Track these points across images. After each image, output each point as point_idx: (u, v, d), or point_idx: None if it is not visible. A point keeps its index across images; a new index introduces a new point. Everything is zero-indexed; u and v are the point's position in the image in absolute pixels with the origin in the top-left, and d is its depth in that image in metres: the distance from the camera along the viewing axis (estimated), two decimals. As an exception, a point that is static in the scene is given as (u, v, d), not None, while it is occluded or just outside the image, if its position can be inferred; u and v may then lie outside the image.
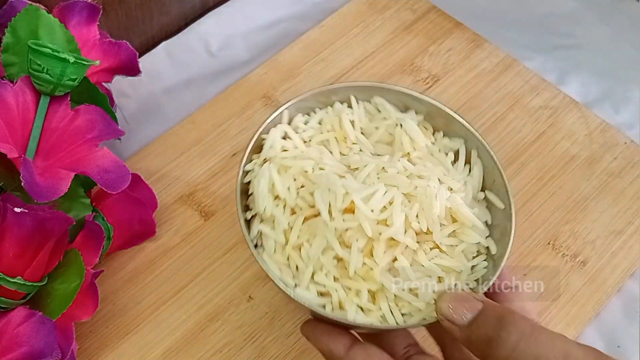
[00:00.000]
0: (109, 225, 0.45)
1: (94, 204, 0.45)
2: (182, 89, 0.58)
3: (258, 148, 0.39)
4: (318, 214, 0.36)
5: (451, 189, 0.37)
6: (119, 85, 0.53)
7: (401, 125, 0.39)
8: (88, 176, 0.41)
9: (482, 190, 0.39)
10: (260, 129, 0.39)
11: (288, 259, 0.36)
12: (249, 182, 0.39)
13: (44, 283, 0.41)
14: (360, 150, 0.40)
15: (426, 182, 0.36)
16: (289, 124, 0.40)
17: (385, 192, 0.35)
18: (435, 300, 0.34)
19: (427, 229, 0.36)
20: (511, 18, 0.63)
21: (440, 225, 0.36)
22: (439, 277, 0.35)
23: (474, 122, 0.55)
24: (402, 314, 0.35)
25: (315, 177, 0.37)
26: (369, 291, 0.35)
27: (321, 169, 0.37)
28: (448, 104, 0.56)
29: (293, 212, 0.37)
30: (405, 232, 0.35)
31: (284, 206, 0.37)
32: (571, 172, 0.53)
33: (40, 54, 0.41)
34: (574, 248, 0.50)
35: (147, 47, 0.60)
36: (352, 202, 0.35)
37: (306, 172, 0.38)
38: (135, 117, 0.56)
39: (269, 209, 0.37)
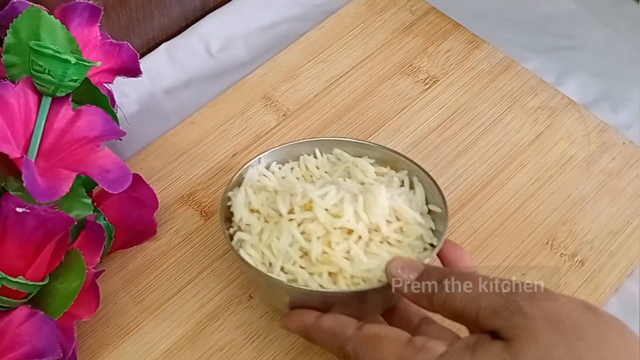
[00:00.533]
0: (110, 225, 0.45)
1: (95, 203, 0.45)
2: (182, 90, 0.58)
3: (238, 184, 0.46)
4: None
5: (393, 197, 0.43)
6: (120, 86, 0.53)
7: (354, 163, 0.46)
8: (89, 176, 0.41)
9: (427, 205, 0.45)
10: (241, 170, 0.46)
11: (262, 256, 0.42)
12: (231, 208, 0.45)
13: (46, 282, 0.41)
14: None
15: (371, 186, 0.43)
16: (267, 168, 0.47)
17: (337, 192, 0.42)
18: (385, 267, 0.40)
19: (377, 225, 0.41)
20: (510, 19, 0.63)
21: (387, 223, 0.42)
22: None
23: (473, 122, 0.56)
24: None
25: (281, 188, 0.44)
26: (329, 273, 0.41)
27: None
28: (447, 105, 0.56)
29: (266, 221, 0.43)
30: (357, 223, 0.41)
31: (258, 218, 0.43)
32: (569, 173, 0.53)
33: (41, 54, 0.41)
34: (572, 248, 0.50)
35: (148, 48, 0.60)
36: (310, 200, 0.41)
37: (276, 191, 0.44)
38: (136, 117, 0.56)
39: (245, 218, 0.43)
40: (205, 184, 0.52)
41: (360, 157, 0.48)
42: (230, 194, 0.45)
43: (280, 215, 0.42)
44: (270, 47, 0.61)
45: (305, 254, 0.41)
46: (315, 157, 0.48)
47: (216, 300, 0.47)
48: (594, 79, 0.59)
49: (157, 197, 0.49)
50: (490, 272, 0.48)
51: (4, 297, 0.40)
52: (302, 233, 0.41)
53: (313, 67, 0.59)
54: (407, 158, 0.46)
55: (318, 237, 0.41)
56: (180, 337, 0.46)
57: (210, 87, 0.58)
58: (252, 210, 0.44)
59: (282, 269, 0.41)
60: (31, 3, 0.45)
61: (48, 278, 0.41)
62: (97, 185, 0.42)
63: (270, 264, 0.41)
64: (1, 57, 0.43)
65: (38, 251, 0.40)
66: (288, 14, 0.63)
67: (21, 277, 0.39)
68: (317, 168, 0.47)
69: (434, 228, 0.44)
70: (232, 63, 0.60)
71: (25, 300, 0.41)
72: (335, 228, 0.41)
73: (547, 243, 0.50)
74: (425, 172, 0.45)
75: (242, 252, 0.42)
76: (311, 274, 0.41)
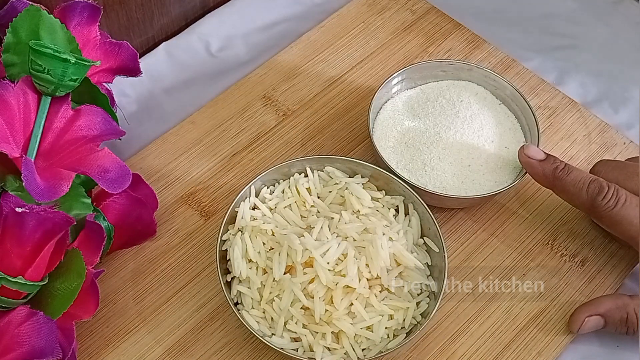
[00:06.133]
0: (109, 224, 0.45)
1: (94, 203, 0.45)
2: (182, 89, 0.58)
3: (232, 219, 0.46)
4: (285, 272, 0.43)
5: (391, 239, 0.44)
6: (119, 85, 0.53)
7: (347, 188, 0.47)
8: (89, 176, 0.41)
9: (422, 237, 0.47)
10: (233, 204, 0.46)
11: (264, 312, 0.43)
12: (226, 249, 0.45)
13: (45, 283, 0.41)
14: (318, 212, 0.47)
15: (372, 235, 0.43)
16: (257, 196, 0.47)
17: (339, 245, 0.43)
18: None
19: (377, 274, 0.43)
20: (510, 19, 0.63)
21: (387, 271, 0.43)
22: (390, 315, 0.43)
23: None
24: (362, 349, 0.42)
25: (280, 237, 0.44)
26: (332, 333, 0.42)
27: (284, 228, 0.45)
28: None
29: (265, 272, 0.44)
30: (360, 281, 0.42)
31: (257, 268, 0.44)
32: (570, 173, 0.53)
33: (41, 54, 0.41)
34: (572, 248, 0.50)
35: (147, 47, 0.60)
36: (310, 257, 0.42)
37: (273, 235, 0.45)
38: (136, 117, 0.56)
39: (244, 272, 0.44)
40: (205, 184, 0.52)
41: (352, 175, 0.48)
42: (224, 236, 0.45)
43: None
44: (270, 47, 0.60)
45: (306, 309, 0.42)
46: (307, 175, 0.48)
47: (216, 300, 0.47)
48: (594, 79, 0.59)
49: (157, 197, 0.49)
50: (490, 272, 0.48)
51: (4, 297, 0.39)
52: (303, 290, 0.42)
53: (313, 67, 0.58)
54: (400, 180, 0.47)
55: (320, 297, 0.42)
56: (180, 337, 0.46)
57: (210, 87, 0.58)
58: (249, 260, 0.44)
59: (285, 324, 0.42)
60: (31, 2, 0.45)
61: (47, 278, 0.41)
62: (97, 185, 0.42)
63: (272, 318, 0.43)
64: (1, 56, 0.43)
65: (37, 251, 0.40)
66: (288, 14, 0.63)
67: (20, 277, 0.39)
68: (309, 190, 0.47)
69: (430, 263, 0.46)
70: (232, 62, 0.60)
71: (25, 300, 0.40)
72: (337, 285, 0.42)
73: (547, 243, 0.50)
74: (419, 200, 0.46)
75: (244, 314, 0.43)
76: (315, 332, 0.42)
